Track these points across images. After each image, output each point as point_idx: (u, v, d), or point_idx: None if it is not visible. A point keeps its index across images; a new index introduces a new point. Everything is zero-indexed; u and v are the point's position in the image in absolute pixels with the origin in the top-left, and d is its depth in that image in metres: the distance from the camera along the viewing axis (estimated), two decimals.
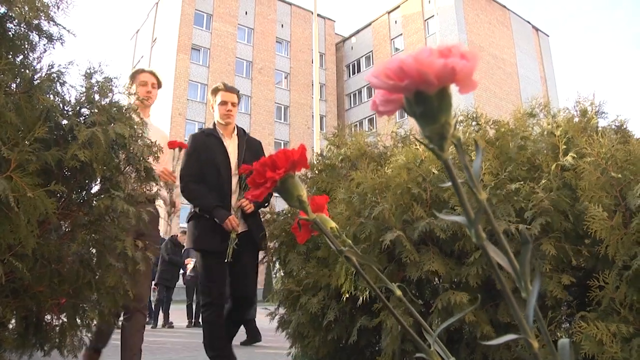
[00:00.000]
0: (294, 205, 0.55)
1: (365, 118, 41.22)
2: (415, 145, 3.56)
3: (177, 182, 3.43)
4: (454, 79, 0.31)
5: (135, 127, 2.18)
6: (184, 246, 9.43)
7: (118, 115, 2.16)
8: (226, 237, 3.29)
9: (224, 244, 3.27)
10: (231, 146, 3.48)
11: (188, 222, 3.49)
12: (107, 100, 2.27)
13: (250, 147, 3.55)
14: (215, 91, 3.58)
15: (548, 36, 45.87)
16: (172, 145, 3.45)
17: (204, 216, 3.34)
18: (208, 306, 3.30)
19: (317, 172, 3.95)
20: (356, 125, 41.77)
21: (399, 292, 0.61)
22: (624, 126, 3.28)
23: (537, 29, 44.69)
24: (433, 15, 35.04)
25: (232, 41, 37.10)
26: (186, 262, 9.69)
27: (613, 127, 3.26)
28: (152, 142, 2.33)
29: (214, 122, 3.60)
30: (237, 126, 3.62)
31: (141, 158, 2.14)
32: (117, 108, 2.19)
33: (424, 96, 0.33)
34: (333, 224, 0.65)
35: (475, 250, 2.72)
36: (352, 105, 43.14)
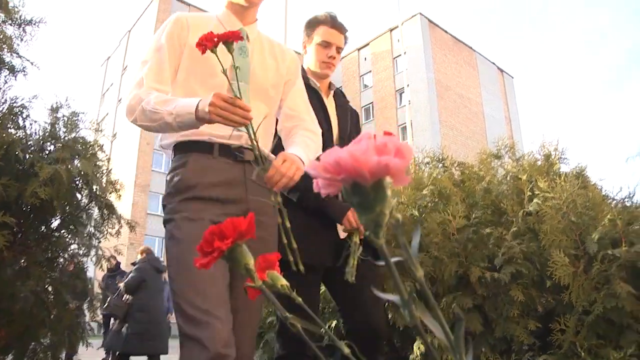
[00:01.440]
0: (242, 272, 0.56)
1: None
2: None
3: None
4: (388, 174, 0.33)
5: (100, 163, 2.16)
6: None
7: (83, 151, 2.13)
8: (336, 242, 2.26)
9: (335, 253, 2.24)
10: (330, 108, 2.47)
11: None
12: (73, 135, 2.25)
13: (353, 115, 2.59)
14: (314, 24, 2.48)
15: (513, 78, 47.20)
16: None
17: (298, 208, 2.17)
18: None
19: None
20: None
21: (347, 350, 0.61)
22: (584, 172, 3.38)
23: (502, 71, 45.94)
24: (401, 54, 35.83)
25: None
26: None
27: (574, 172, 3.36)
28: (115, 180, 2.31)
29: (303, 68, 2.43)
30: (331, 83, 2.58)
31: (104, 196, 2.10)
32: (83, 144, 2.17)
33: (361, 187, 0.35)
34: (284, 282, 0.65)
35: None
36: None
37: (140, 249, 7.87)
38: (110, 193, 2.20)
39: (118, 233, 2.74)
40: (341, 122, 2.46)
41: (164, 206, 1.69)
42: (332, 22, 2.46)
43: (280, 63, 1.91)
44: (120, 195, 2.25)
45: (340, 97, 2.57)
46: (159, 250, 30.02)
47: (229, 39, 1.35)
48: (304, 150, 1.72)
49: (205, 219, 1.56)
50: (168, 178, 1.71)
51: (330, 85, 2.54)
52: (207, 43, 1.34)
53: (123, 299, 7.05)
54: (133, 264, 7.66)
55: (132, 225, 2.94)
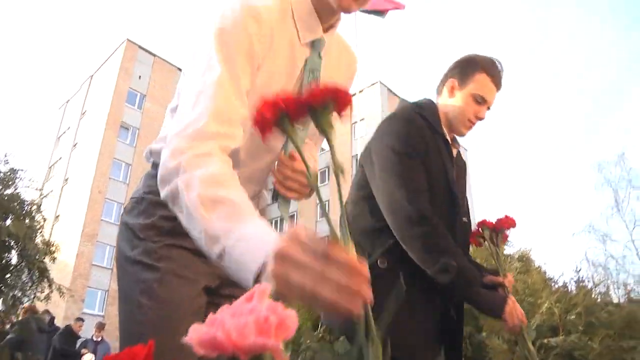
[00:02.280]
0: None
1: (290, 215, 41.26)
2: None
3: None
4: (265, 352, 0.32)
5: (35, 224, 2.07)
6: (79, 337, 8.69)
7: (18, 210, 2.05)
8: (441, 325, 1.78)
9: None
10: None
11: None
12: (9, 191, 2.17)
13: (465, 172, 2.08)
14: (474, 67, 1.92)
15: (466, 150, 48.64)
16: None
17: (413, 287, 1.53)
18: None
19: None
20: (276, 221, 41.63)
21: None
22: (528, 255, 3.44)
23: None
24: (360, 120, 36.61)
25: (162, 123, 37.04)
26: (82, 352, 8.96)
27: (517, 255, 3.42)
28: (50, 241, 2.21)
29: (433, 111, 1.95)
30: (455, 137, 2.05)
31: (36, 258, 2.01)
32: (19, 202, 2.09)
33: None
34: None
35: None
36: (274, 201, 43.30)
37: (23, 308, 7.58)
38: (44, 255, 2.10)
39: (47, 298, 2.59)
40: (460, 186, 1.95)
41: (132, 233, 1.23)
42: (498, 75, 1.93)
43: (341, 79, 1.42)
44: (54, 258, 2.15)
45: (460, 157, 2.05)
46: (100, 307, 28.85)
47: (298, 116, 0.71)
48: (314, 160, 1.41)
49: (202, 282, 1.19)
50: (150, 198, 1.25)
51: (454, 141, 2.01)
52: (266, 127, 0.70)
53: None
54: (12, 325, 7.36)
55: (63, 291, 2.81)
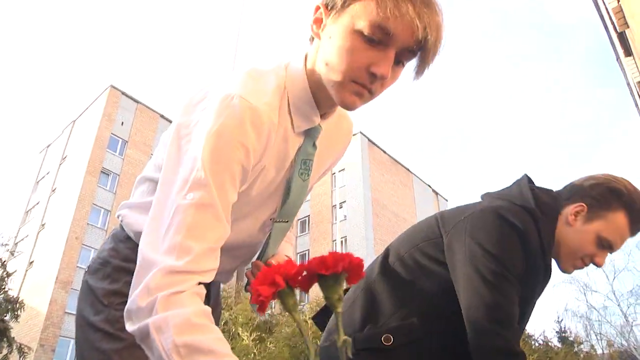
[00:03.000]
0: None
1: None
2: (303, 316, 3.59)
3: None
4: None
5: None
6: None
7: None
8: None
9: None
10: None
11: None
12: None
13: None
14: (615, 201, 1.55)
15: (447, 201, 48.99)
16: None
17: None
18: None
19: None
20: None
21: None
22: None
23: (437, 193, 47.75)
24: (340, 170, 36.89)
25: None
26: None
27: None
28: (15, 298, 2.25)
29: (551, 224, 1.57)
30: None
31: None
32: None
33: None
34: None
35: None
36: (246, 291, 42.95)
37: None
38: (5, 313, 2.16)
39: (5, 359, 2.49)
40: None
41: (95, 297, 1.18)
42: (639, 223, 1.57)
43: (336, 156, 1.41)
44: (17, 316, 2.20)
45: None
46: (72, 357, 27.87)
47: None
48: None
49: None
50: (116, 263, 1.21)
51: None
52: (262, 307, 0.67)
53: None
54: None
55: (24, 351, 2.76)
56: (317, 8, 1.08)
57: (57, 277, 28.95)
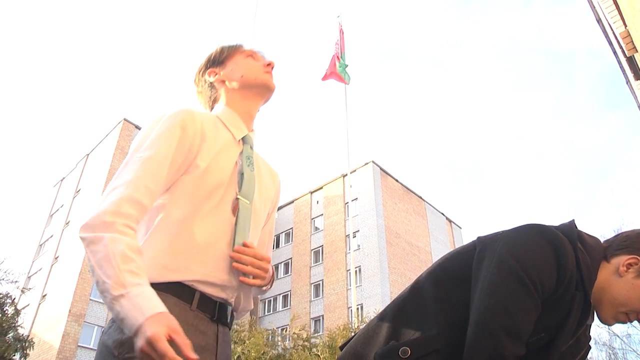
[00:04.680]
0: None
1: (278, 294, 40.59)
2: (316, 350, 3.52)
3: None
4: None
5: (8, 318, 2.08)
6: None
7: None
8: None
9: None
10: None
11: None
12: None
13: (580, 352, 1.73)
14: None
15: (460, 228, 48.65)
16: None
17: None
18: None
19: None
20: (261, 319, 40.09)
21: None
22: None
23: (450, 221, 47.44)
24: (353, 200, 36.80)
25: None
26: None
27: None
28: (25, 336, 2.20)
29: (594, 262, 1.47)
30: None
31: (6, 355, 2.01)
32: None
33: None
34: None
35: None
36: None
37: None
38: (14, 352, 2.09)
39: None
40: None
41: (108, 352, 1.25)
42: None
43: (273, 185, 1.75)
44: (27, 355, 2.14)
45: (586, 333, 1.63)
46: None
47: None
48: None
49: None
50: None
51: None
52: None
53: None
54: None
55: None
56: (210, 73, 1.71)
57: (70, 310, 28.90)
